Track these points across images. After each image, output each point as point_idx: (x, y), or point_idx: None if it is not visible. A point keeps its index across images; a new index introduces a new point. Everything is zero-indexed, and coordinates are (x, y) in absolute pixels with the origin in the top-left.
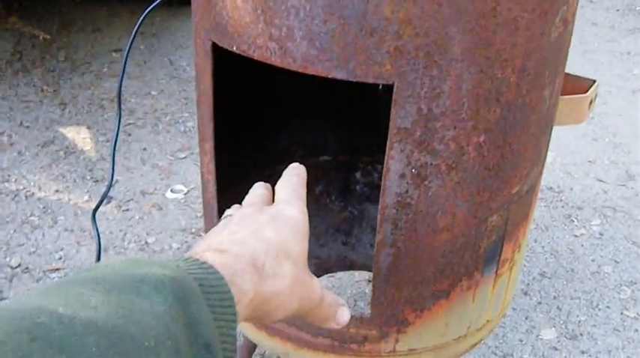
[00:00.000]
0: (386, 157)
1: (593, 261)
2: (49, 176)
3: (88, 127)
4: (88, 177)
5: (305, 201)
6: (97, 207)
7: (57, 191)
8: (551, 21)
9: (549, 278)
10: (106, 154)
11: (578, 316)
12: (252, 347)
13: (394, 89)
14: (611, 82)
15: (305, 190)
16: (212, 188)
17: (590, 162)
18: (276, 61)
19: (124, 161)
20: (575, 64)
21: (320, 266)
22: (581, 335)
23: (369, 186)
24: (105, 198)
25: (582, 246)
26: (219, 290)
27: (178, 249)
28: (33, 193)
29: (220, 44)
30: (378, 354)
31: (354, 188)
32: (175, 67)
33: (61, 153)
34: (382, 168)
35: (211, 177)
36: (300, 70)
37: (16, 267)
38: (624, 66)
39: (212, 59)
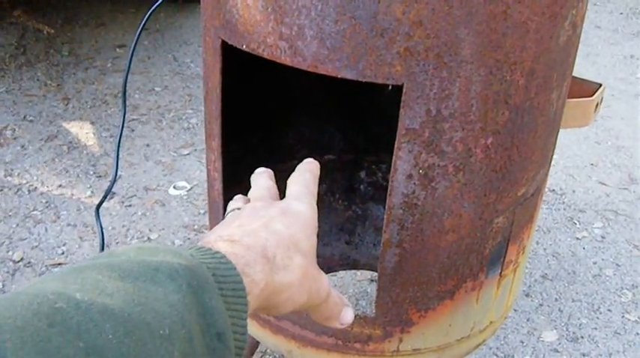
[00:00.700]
0: (394, 158)
1: (594, 263)
2: (52, 170)
3: (92, 122)
4: (91, 173)
5: (315, 198)
6: (101, 202)
7: (60, 186)
8: (561, 24)
9: (551, 280)
10: (109, 150)
11: (579, 318)
12: (254, 344)
13: (403, 90)
14: (614, 85)
15: (317, 187)
16: (218, 186)
17: (592, 165)
18: (286, 60)
19: (127, 157)
20: (579, 67)
21: (323, 265)
22: (582, 337)
23: (373, 186)
24: (109, 193)
25: (584, 248)
26: (232, 280)
27: (181, 245)
28: (36, 188)
29: (230, 42)
30: (381, 354)
31: (358, 187)
32: (179, 64)
33: (65, 147)
34: (387, 167)
35: (218, 175)
36: (310, 70)
37: (19, 262)
38: (627, 69)
39: (221, 57)
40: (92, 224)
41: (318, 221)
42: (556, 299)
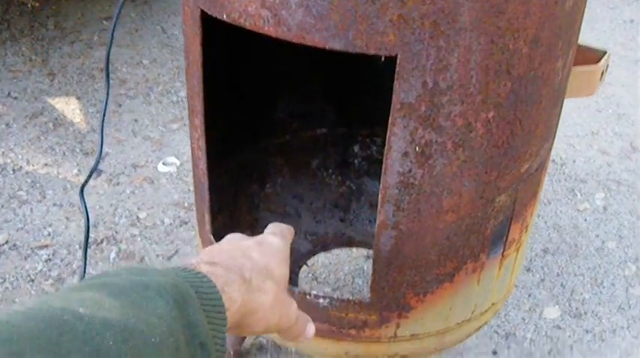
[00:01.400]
0: (388, 134)
1: (597, 236)
2: (37, 149)
3: (78, 98)
4: (78, 150)
5: (289, 241)
6: (86, 182)
7: (46, 164)
8: None
9: (552, 254)
10: (97, 126)
11: (582, 293)
12: (239, 340)
13: (397, 61)
14: (614, 50)
15: (292, 237)
16: (203, 165)
17: (593, 133)
18: (270, 30)
19: (114, 133)
20: None
21: (317, 243)
22: (585, 313)
23: (368, 160)
24: (94, 172)
25: (586, 220)
26: (212, 297)
27: (170, 224)
28: (21, 167)
29: (209, 12)
30: (378, 340)
31: (352, 162)
32: (168, 36)
33: (50, 124)
34: (382, 141)
35: (202, 154)
36: (295, 41)
37: (4, 244)
38: (627, 34)
39: (201, 28)
40: (79, 204)
41: (310, 198)
42: (558, 274)
